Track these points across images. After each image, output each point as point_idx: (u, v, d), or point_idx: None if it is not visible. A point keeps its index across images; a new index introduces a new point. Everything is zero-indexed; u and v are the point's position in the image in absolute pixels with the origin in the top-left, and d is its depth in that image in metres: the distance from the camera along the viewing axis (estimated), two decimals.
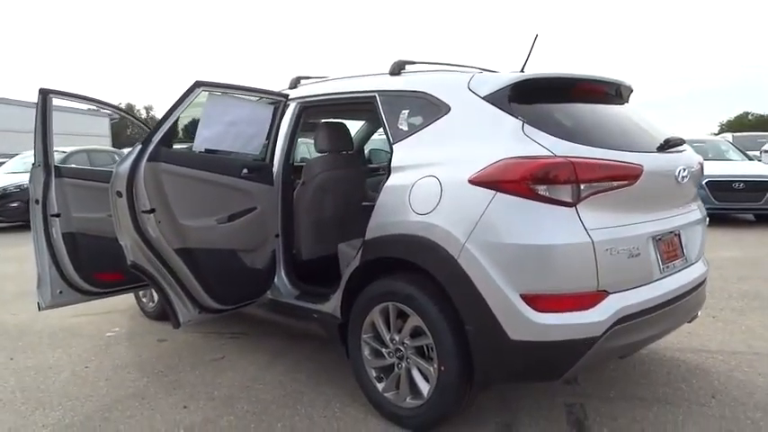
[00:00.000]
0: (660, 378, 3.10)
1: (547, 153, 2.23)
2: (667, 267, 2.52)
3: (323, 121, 3.91)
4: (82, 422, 2.80)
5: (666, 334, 2.62)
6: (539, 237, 2.19)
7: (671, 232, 2.58)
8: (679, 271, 2.60)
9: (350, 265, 2.84)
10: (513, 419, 2.69)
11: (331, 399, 2.97)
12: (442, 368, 2.42)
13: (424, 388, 2.53)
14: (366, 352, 2.78)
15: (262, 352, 3.64)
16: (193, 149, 2.84)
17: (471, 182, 2.31)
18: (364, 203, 4.18)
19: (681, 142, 2.74)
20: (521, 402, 2.85)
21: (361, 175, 3.88)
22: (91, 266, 3.34)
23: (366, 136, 5.02)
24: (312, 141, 4.08)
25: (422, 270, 2.49)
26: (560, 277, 2.19)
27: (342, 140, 3.62)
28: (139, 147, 2.57)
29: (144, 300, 4.46)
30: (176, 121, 2.64)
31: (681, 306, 2.56)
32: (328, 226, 3.64)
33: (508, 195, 2.23)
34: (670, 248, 2.57)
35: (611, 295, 2.26)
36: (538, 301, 2.19)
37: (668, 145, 2.62)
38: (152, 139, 2.58)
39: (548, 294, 2.19)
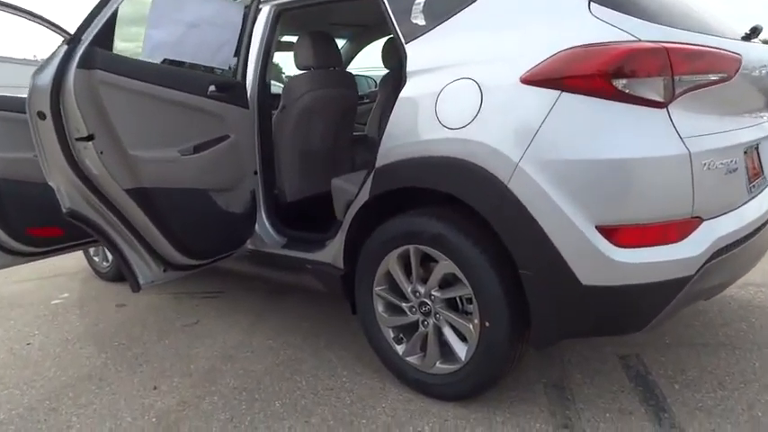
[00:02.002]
0: (714, 319, 2.69)
1: (629, 38, 1.66)
2: (753, 187, 2.03)
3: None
4: (22, 416, 2.20)
5: (748, 271, 2.16)
6: (621, 149, 1.65)
7: (754, 144, 2.08)
8: (761, 192, 2.12)
9: (354, 203, 2.26)
10: (563, 377, 2.23)
11: (336, 365, 2.44)
12: (486, 324, 1.90)
13: (460, 349, 2.02)
14: (380, 308, 2.25)
15: (244, 312, 3.08)
16: (144, 57, 2.15)
17: (525, 81, 1.73)
18: (355, 134, 3.62)
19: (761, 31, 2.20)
20: (566, 356, 2.38)
21: (356, 95, 3.24)
22: (21, 221, 2.66)
23: (347, 59, 4.34)
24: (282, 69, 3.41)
25: (456, 201, 1.94)
26: (649, 201, 1.67)
27: (330, 54, 2.96)
28: (65, 48, 1.87)
29: (96, 258, 3.79)
30: (115, 13, 1.94)
31: (764, 236, 2.09)
32: (317, 159, 3.03)
33: (578, 95, 1.67)
34: (754, 164, 2.08)
35: (704, 222, 1.76)
36: (618, 235, 1.68)
37: (755, 34, 2.09)
38: (81, 37, 1.88)
39: (631, 225, 1.67)
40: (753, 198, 2.02)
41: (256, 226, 2.73)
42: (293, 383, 2.31)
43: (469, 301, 2.00)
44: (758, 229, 1.99)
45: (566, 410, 2.02)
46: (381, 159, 2.09)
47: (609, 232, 1.67)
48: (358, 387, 2.26)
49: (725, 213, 1.85)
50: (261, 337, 2.77)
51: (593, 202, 1.67)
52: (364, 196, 2.19)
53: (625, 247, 1.68)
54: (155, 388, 2.35)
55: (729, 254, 1.82)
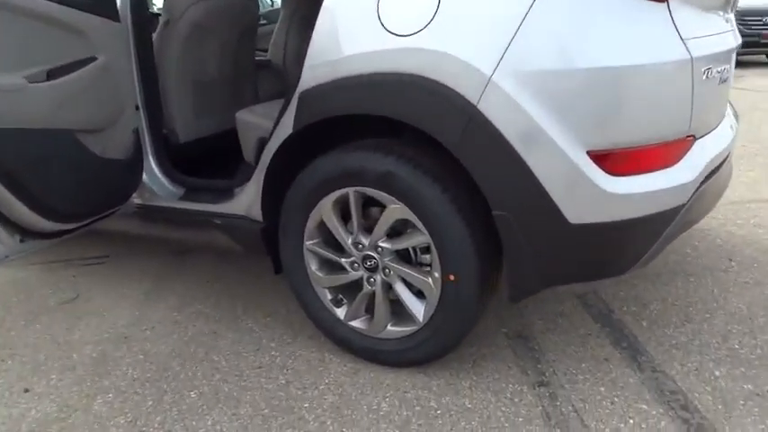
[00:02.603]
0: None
1: None
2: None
3: None
4: None
5: (709, 212, 1.96)
6: (618, 54, 1.33)
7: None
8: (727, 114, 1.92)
9: (271, 140, 1.80)
10: (524, 325, 1.99)
11: (261, 336, 2.03)
12: (451, 277, 1.58)
13: (417, 308, 1.69)
14: (313, 266, 1.85)
15: (138, 280, 2.54)
16: None
17: None
18: (259, 59, 3.07)
19: None
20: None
21: (257, 7, 2.68)
22: None
23: None
24: None
25: (406, 130, 1.56)
26: (647, 118, 1.37)
27: None
28: None
29: None
30: None
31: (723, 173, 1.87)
32: (214, 89, 2.49)
33: None
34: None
35: (696, 142, 1.52)
36: (612, 161, 1.38)
37: None
38: None
39: (627, 148, 1.38)
40: (723, 119, 1.82)
41: (144, 175, 2.19)
42: (210, 365, 1.89)
43: (426, 250, 1.67)
44: (723, 162, 1.77)
45: (537, 364, 1.78)
46: (307, 81, 1.64)
47: (601, 159, 1.37)
48: (292, 361, 1.88)
49: (708, 133, 1.63)
50: (162, 308, 2.28)
51: (584, 123, 1.35)
52: (285, 130, 1.74)
53: (619, 175, 1.39)
54: (26, 390, 1.82)
55: (707, 183, 1.60)
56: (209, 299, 2.33)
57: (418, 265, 1.71)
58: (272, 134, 1.81)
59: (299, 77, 1.68)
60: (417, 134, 1.51)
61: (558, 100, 1.33)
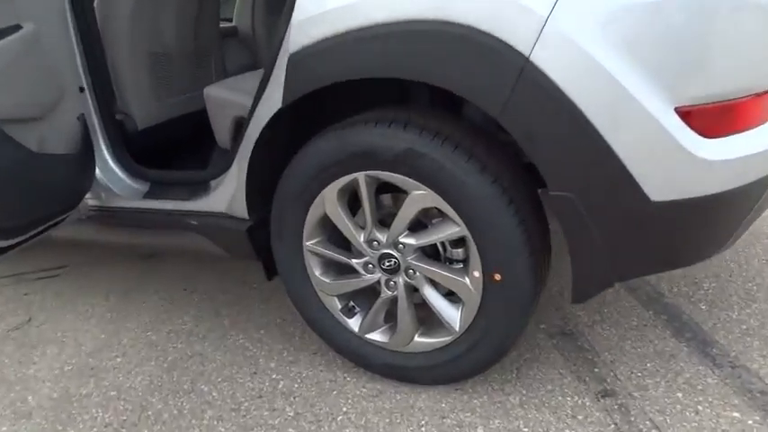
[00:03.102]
0: None
1: None
2: None
3: None
4: None
5: None
6: None
7: None
8: None
9: (252, 118, 1.45)
10: (565, 320, 1.70)
11: (257, 356, 1.71)
12: (497, 277, 1.27)
13: (452, 315, 1.38)
14: (317, 270, 1.52)
15: (102, 294, 2.17)
16: None
17: None
18: (223, 26, 2.67)
19: None
20: (547, 288, 1.86)
21: None
22: None
23: None
24: None
25: (437, 94, 1.24)
26: (743, 63, 1.07)
27: None
28: None
29: None
30: None
31: None
32: (173, 63, 2.10)
33: None
34: None
35: None
36: (705, 119, 1.08)
37: None
38: None
39: (719, 102, 1.08)
40: None
41: (97, 171, 1.81)
42: (199, 399, 1.55)
43: (457, 244, 1.35)
44: None
45: (593, 368, 1.50)
46: (297, 40, 1.28)
47: (692, 117, 1.07)
48: (298, 386, 1.56)
49: None
50: (133, 328, 1.93)
51: (672, 72, 1.04)
52: (271, 106, 1.38)
53: (713, 137, 1.09)
54: None
55: None
56: (189, 312, 1.99)
57: (452, 262, 1.40)
58: (252, 112, 1.45)
59: (281, 39, 1.32)
60: (447, 100, 1.19)
61: (638, 43, 1.02)
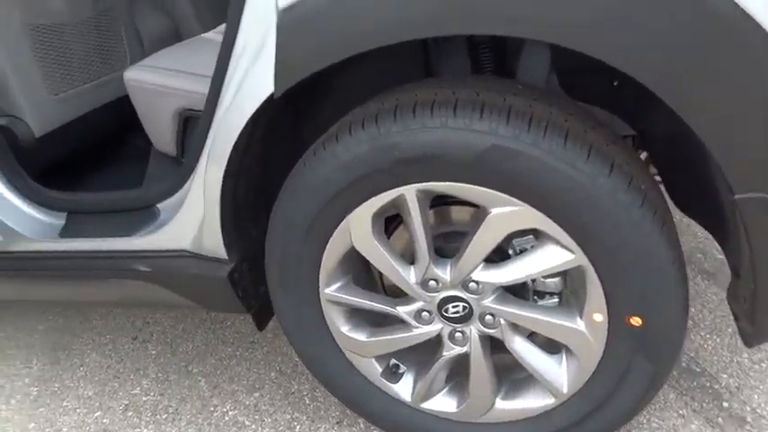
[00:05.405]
0: None
1: None
2: None
3: None
4: None
5: None
6: None
7: None
8: None
9: (227, 112, 0.93)
10: None
11: None
12: (637, 321, 0.85)
13: (555, 373, 0.96)
14: (343, 326, 1.05)
15: (17, 359, 1.61)
16: None
17: None
18: None
19: None
20: None
21: None
22: None
23: None
24: None
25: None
26: None
27: None
28: None
29: None
30: None
31: None
32: (69, 37, 1.50)
33: None
34: None
35: None
36: None
37: None
38: None
39: None
40: None
41: None
42: None
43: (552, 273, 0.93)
44: None
45: (720, 402, 1.14)
46: None
47: None
48: None
49: None
50: (71, 408, 1.40)
51: None
52: (254, 91, 0.87)
53: None
54: None
55: None
56: (147, 374, 1.47)
57: (534, 297, 0.97)
58: (214, 102, 0.94)
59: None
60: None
61: None
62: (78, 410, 1.40)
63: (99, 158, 1.65)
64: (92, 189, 1.41)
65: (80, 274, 1.26)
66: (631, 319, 0.85)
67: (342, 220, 0.92)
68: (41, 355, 1.61)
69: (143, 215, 1.19)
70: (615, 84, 0.97)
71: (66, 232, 1.26)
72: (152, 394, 1.41)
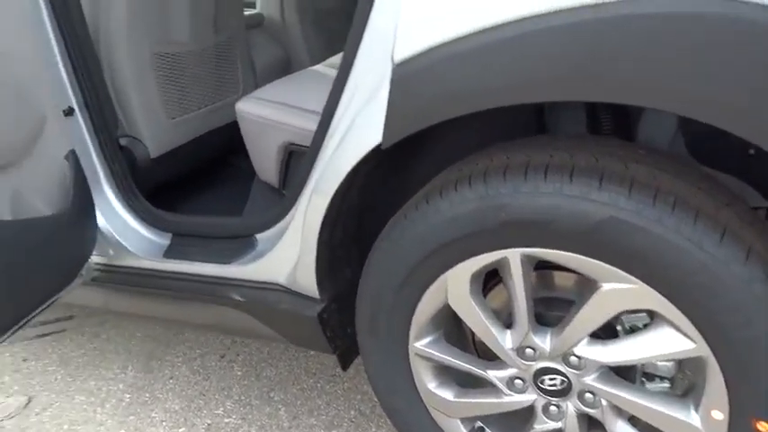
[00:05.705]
0: None
1: None
2: None
3: None
4: None
5: None
6: None
7: None
8: None
9: (335, 153, 0.93)
10: None
11: None
12: (761, 426, 0.76)
13: None
14: (430, 383, 1.01)
15: (115, 363, 1.70)
16: None
17: None
18: (247, 13, 2.12)
19: None
20: None
21: None
22: None
23: None
24: None
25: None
26: None
27: None
28: None
29: None
30: None
31: None
32: (188, 63, 1.58)
33: None
34: None
35: None
36: None
37: None
38: None
39: None
40: None
41: (100, 219, 1.32)
42: None
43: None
44: None
45: None
46: (414, 37, 0.76)
47: None
48: None
49: None
50: (159, 421, 1.45)
51: None
52: (360, 139, 0.87)
53: None
54: None
55: None
56: (231, 395, 1.50)
57: (642, 379, 0.89)
58: (319, 143, 0.95)
59: (360, 30, 0.81)
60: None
61: None
62: (165, 423, 1.45)
63: (205, 179, 1.73)
64: (196, 210, 1.47)
65: (180, 295, 1.31)
66: (758, 424, 0.76)
67: (439, 275, 0.89)
68: (136, 363, 1.69)
69: (242, 244, 1.23)
70: (751, 152, 0.88)
71: (170, 253, 1.32)
72: (234, 417, 1.43)
